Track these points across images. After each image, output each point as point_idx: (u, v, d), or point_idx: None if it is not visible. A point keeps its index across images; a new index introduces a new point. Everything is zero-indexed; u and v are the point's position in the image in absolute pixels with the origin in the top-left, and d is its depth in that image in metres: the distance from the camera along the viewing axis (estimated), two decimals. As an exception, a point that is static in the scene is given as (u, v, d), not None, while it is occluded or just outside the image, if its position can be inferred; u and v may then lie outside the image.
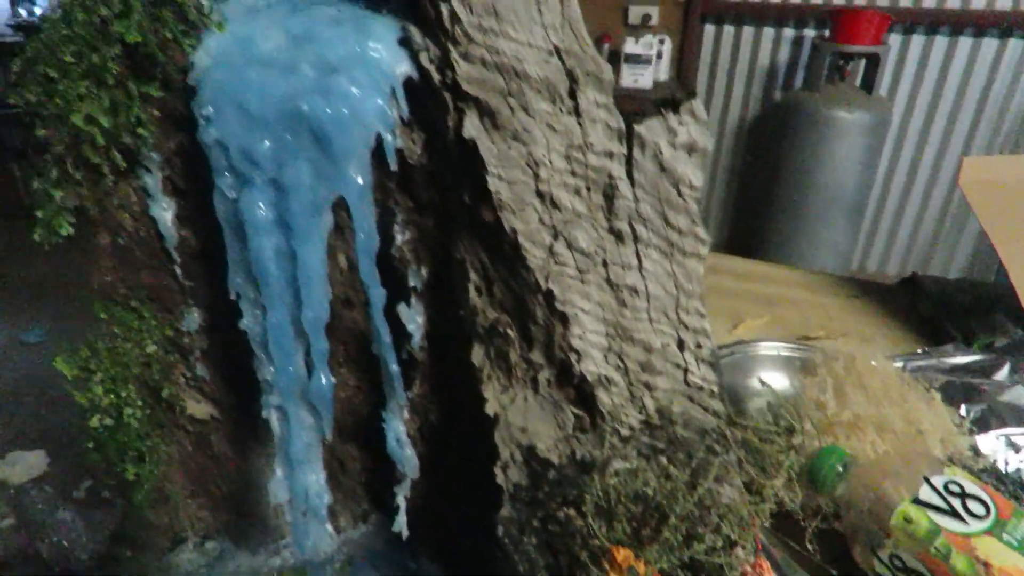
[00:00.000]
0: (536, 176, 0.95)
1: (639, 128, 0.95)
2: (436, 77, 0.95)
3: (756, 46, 4.27)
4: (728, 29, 4.29)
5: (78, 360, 1.12)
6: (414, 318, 1.11)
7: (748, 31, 4.25)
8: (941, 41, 3.91)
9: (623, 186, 0.95)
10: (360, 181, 0.94)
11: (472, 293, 1.03)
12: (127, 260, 1.12)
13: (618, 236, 0.97)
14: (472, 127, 0.94)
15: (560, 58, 0.94)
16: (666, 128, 0.94)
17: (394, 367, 1.06)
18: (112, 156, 0.97)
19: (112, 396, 1.12)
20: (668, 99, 0.96)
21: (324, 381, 1.05)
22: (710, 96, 4.46)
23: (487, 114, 0.95)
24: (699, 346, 0.99)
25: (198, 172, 1.05)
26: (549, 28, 0.93)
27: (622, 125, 0.95)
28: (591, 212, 0.97)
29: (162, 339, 1.16)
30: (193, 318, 1.17)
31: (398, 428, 1.12)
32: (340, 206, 0.98)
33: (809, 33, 4.14)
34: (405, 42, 0.98)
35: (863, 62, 3.88)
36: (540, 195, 0.96)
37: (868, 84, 3.81)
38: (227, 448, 1.35)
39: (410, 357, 1.16)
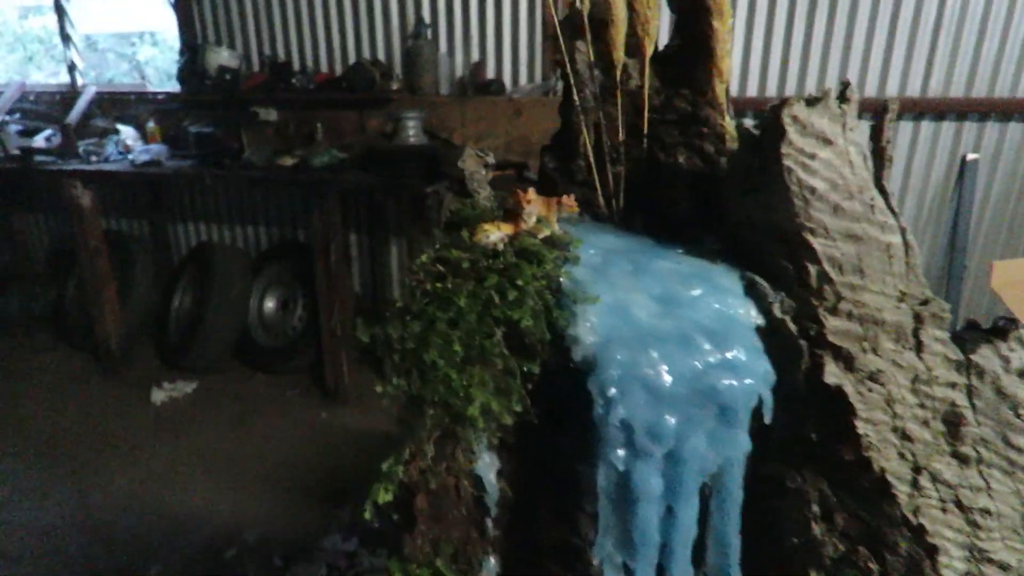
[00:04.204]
0: (893, 414, 0.98)
1: (974, 357, 1.00)
2: (792, 327, 0.98)
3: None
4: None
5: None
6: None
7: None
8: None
9: (968, 413, 1.00)
10: (747, 442, 0.94)
11: (812, 524, 1.04)
12: (440, 519, 1.05)
13: (962, 460, 1.01)
14: (833, 374, 0.97)
15: (907, 302, 0.99)
16: (998, 355, 1.01)
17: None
18: (490, 434, 0.93)
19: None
20: (994, 326, 1.03)
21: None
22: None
23: (842, 358, 0.98)
24: (1047, 557, 1.05)
25: (528, 428, 1.02)
26: (897, 276, 0.98)
27: (961, 356, 1.01)
28: (935, 440, 1.01)
29: (461, 595, 1.09)
30: (490, 565, 1.11)
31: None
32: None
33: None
34: (749, 291, 1.00)
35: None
36: (895, 430, 0.99)
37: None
38: None
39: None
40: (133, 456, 3.36)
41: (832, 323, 0.96)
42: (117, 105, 4.54)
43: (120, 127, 4.39)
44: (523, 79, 4.10)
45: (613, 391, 0.88)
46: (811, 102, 0.91)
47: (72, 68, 4.58)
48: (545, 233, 0.97)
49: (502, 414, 0.91)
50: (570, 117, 1.10)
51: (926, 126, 4.22)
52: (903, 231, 0.98)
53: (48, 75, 5.28)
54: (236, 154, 4.09)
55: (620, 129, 1.10)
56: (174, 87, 4.47)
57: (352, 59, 4.27)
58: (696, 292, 0.96)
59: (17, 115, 4.42)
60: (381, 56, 4.23)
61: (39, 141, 4.18)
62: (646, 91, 1.08)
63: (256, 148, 4.05)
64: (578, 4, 1.09)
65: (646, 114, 1.09)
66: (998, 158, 3.97)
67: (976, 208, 4.05)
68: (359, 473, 3.26)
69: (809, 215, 0.92)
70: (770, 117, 0.91)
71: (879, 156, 0.98)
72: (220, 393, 3.97)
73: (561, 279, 0.95)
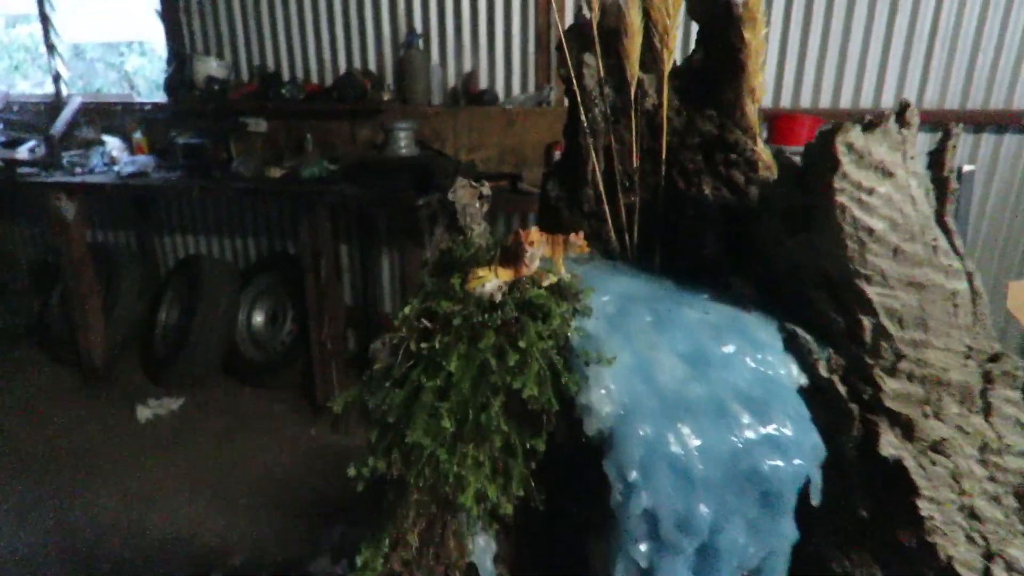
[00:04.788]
0: (961, 490, 0.82)
1: (1048, 422, 0.84)
2: (841, 389, 0.81)
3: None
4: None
5: None
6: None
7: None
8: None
9: (1043, 488, 0.84)
10: (793, 531, 0.77)
11: (863, 612, 0.87)
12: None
13: (1036, 540, 0.85)
14: (890, 444, 0.80)
15: (974, 359, 0.82)
16: (1074, 420, 0.84)
17: None
18: (487, 522, 0.75)
19: None
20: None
21: None
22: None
23: (900, 425, 0.81)
24: None
25: (529, 508, 0.84)
26: (963, 329, 0.82)
27: (1035, 421, 0.84)
28: (1007, 519, 0.84)
29: None
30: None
31: None
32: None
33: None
34: (789, 345, 0.83)
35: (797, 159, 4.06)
36: (962, 509, 0.82)
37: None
38: None
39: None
40: (117, 475, 3.18)
41: (891, 385, 0.79)
42: (103, 115, 4.34)
43: (106, 138, 4.19)
44: (516, 89, 3.93)
45: (635, 475, 0.71)
46: (868, 127, 0.74)
47: (57, 78, 4.37)
48: (551, 280, 0.80)
49: (500, 502, 0.73)
50: (577, 140, 0.93)
51: (922, 138, 4.07)
52: (970, 276, 0.82)
53: (34, 84, 5.06)
54: (224, 165, 3.91)
55: (634, 154, 0.92)
56: (162, 97, 4.27)
57: (343, 69, 4.10)
58: (729, 348, 0.79)
59: (0, 125, 4.22)
60: (372, 66, 4.05)
61: (23, 152, 3.97)
62: (664, 111, 0.90)
63: (245, 159, 3.86)
64: (585, 12, 0.92)
65: (664, 137, 0.91)
66: (994, 170, 3.85)
67: (972, 220, 3.92)
68: (349, 492, 3.09)
69: (865, 260, 0.75)
70: (820, 145, 0.74)
71: (941, 188, 0.81)
72: (207, 409, 3.78)
73: (570, 335, 0.78)
